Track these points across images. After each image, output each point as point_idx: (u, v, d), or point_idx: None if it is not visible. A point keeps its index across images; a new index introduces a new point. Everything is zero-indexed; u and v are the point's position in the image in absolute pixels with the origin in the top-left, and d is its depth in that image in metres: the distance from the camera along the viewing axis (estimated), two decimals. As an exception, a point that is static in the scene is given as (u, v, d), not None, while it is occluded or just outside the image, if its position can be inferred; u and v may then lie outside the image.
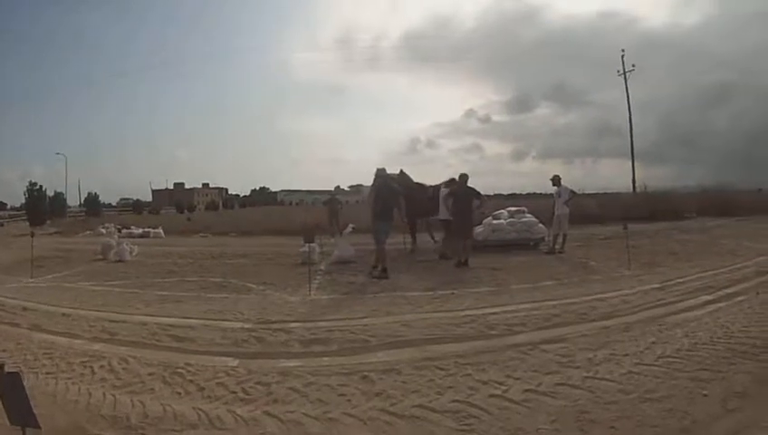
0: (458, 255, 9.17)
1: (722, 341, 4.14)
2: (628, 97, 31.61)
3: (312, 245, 8.38)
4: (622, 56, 31.74)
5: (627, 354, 3.93)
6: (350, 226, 11.05)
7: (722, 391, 3.15)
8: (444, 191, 10.01)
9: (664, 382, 3.34)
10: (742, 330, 4.44)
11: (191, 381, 3.79)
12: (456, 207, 9.14)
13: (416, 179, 11.53)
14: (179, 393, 3.58)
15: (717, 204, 18.67)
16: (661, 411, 2.92)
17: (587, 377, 3.50)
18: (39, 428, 2.30)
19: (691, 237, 12.07)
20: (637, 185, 28.12)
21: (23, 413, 2.26)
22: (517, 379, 3.52)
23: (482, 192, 9.47)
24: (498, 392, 3.30)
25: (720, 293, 6.00)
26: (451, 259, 9.23)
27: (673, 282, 6.76)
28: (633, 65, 31.59)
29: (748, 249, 9.55)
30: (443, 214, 9.81)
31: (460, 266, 8.80)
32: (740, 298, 5.71)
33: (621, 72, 31.81)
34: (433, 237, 11.97)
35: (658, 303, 5.69)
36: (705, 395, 3.10)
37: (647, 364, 3.69)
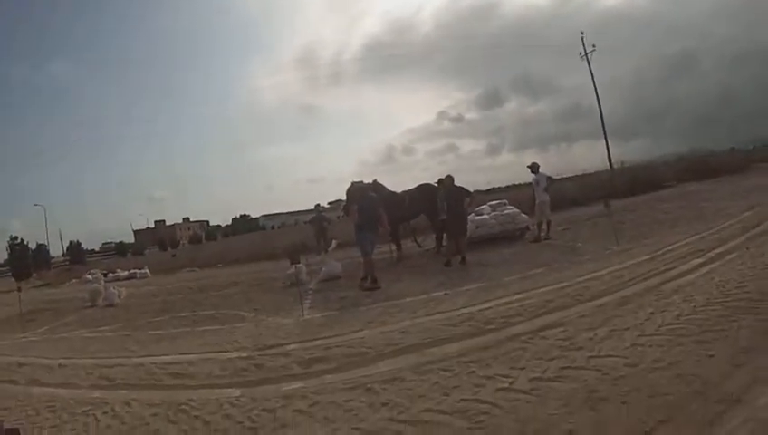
0: (449, 254, 9.14)
1: (719, 300, 4.15)
2: (593, 78, 31.87)
3: (298, 265, 8.25)
4: (582, 38, 32.26)
5: (627, 328, 3.92)
6: (334, 241, 10.92)
7: (728, 350, 3.14)
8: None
9: (669, 350, 3.32)
10: (737, 287, 4.46)
11: (196, 416, 3.72)
12: (449, 207, 9.20)
13: (395, 187, 11.41)
14: (185, 431, 3.51)
15: (694, 169, 18.95)
16: (671, 378, 2.90)
17: (591, 357, 3.47)
18: None
19: (673, 205, 12.13)
20: (613, 162, 28.38)
21: None
22: (522, 369, 3.47)
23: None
24: (505, 385, 3.24)
25: (710, 254, 6.03)
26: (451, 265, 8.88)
27: (662, 251, 6.78)
28: (594, 46, 31.96)
29: (731, 208, 9.64)
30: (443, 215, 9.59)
31: (450, 266, 8.73)
32: (731, 256, 5.77)
33: (583, 54, 32.31)
34: (418, 243, 11.90)
35: (651, 273, 5.68)
36: (712, 356, 3.09)
37: (649, 335, 3.68)
